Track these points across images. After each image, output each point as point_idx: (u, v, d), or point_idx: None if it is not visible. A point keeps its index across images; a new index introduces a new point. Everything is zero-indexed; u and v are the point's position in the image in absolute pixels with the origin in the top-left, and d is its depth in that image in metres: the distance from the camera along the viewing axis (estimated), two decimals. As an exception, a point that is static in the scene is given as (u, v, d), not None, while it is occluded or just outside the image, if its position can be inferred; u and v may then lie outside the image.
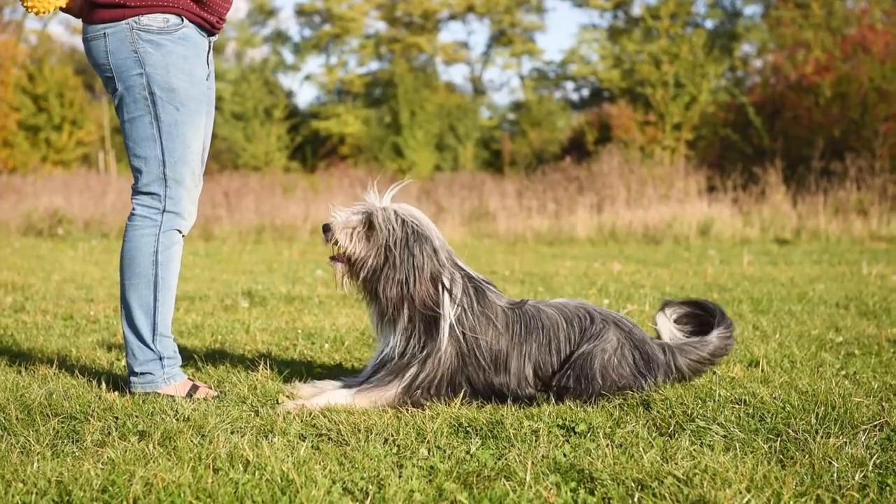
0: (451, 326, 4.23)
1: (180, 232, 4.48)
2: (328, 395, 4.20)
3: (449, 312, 4.23)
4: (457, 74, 79.16)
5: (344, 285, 4.36)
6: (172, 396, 4.32)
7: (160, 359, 4.43)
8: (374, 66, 46.16)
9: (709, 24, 40.14)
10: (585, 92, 45.79)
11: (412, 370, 4.23)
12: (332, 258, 4.33)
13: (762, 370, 4.90)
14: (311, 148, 38.41)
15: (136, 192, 4.43)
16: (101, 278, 10.26)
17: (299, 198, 21.50)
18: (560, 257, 14.25)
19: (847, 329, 6.38)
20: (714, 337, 4.72)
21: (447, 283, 4.24)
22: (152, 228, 4.38)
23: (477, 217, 20.14)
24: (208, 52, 4.53)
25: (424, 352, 4.24)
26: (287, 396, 4.34)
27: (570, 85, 46.81)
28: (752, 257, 13.51)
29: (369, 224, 4.25)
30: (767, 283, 9.62)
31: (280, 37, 48.06)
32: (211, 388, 4.56)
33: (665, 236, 18.07)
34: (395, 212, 4.27)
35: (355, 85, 43.43)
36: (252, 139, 34.97)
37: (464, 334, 4.25)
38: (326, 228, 4.30)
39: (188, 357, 5.37)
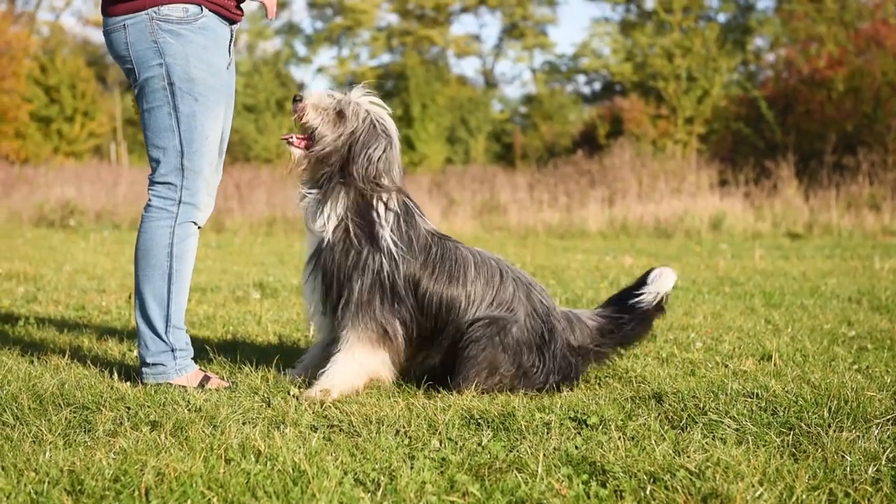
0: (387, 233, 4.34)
1: (196, 224, 4.48)
2: (331, 370, 4.29)
3: (384, 219, 4.35)
4: (468, 67, 79.27)
5: (297, 166, 4.46)
6: (184, 387, 4.32)
7: (172, 350, 4.44)
8: (385, 58, 46.18)
9: (721, 17, 40.01)
10: (597, 85, 45.73)
11: (373, 263, 4.33)
12: (288, 141, 4.43)
13: (774, 364, 4.89)
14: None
15: (152, 182, 4.42)
16: (112, 269, 10.27)
17: (311, 190, 21.46)
18: (571, 250, 14.24)
19: (860, 323, 6.36)
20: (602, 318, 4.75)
21: (387, 184, 4.37)
22: (168, 220, 4.38)
23: (488, 210, 20.12)
24: (230, 42, 4.53)
25: (368, 243, 4.33)
26: (297, 388, 4.35)
27: (581, 78, 46.77)
28: (764, 251, 13.48)
29: (339, 111, 4.37)
30: (779, 278, 9.60)
31: (292, 29, 48.08)
32: (223, 378, 4.57)
33: (676, 230, 18.03)
34: (366, 109, 4.41)
35: (367, 77, 43.41)
36: (264, 131, 34.96)
37: (394, 243, 4.35)
38: (297, 99, 4.44)
39: (200, 348, 5.38)
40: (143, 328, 4.45)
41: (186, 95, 4.33)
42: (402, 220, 4.39)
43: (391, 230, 4.33)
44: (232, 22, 4.51)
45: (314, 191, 4.41)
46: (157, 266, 4.41)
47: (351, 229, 4.34)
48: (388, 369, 4.37)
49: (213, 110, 4.42)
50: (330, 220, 4.35)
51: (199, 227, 4.56)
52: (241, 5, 4.50)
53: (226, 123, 4.62)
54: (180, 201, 4.39)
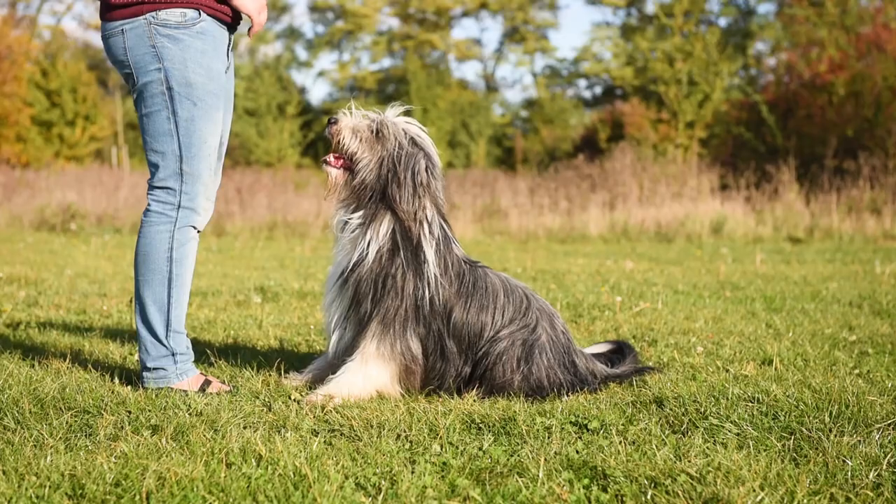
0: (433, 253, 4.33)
1: (195, 228, 4.49)
2: (341, 378, 4.27)
3: (430, 233, 4.32)
4: (469, 71, 79.12)
5: (335, 186, 4.42)
6: (185, 391, 4.32)
7: (173, 355, 4.44)
8: (386, 62, 46.22)
9: (722, 21, 40.08)
10: (598, 89, 45.78)
11: (409, 286, 4.31)
12: (326, 162, 4.40)
13: (775, 368, 4.88)
14: (324, 144, 38.38)
15: (151, 187, 4.43)
16: (113, 273, 10.28)
17: (311, 194, 21.52)
18: (572, 255, 14.24)
19: (860, 328, 6.36)
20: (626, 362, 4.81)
21: (431, 209, 4.34)
22: (167, 224, 4.38)
23: (489, 214, 20.13)
24: (228, 46, 4.53)
25: (411, 269, 4.30)
26: (299, 392, 4.35)
27: (582, 82, 46.81)
28: (765, 255, 13.48)
29: (377, 132, 4.33)
30: (780, 282, 9.60)
31: (293, 33, 48.12)
32: (224, 382, 4.57)
33: (677, 234, 18.04)
34: (403, 129, 4.36)
35: (368, 81, 43.46)
36: (265, 135, 35.02)
37: (437, 273, 4.34)
38: (333, 121, 4.39)
39: (201, 352, 5.38)
40: (144, 332, 4.45)
41: (185, 100, 4.33)
42: (441, 246, 4.37)
43: (433, 258, 4.31)
44: (230, 26, 4.52)
45: (355, 214, 4.37)
46: (157, 271, 4.41)
47: (394, 255, 4.31)
48: (398, 387, 4.35)
49: (212, 115, 4.42)
50: (371, 244, 4.31)
51: (198, 232, 4.57)
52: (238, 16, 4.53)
53: (225, 127, 4.63)
54: (179, 206, 4.39)
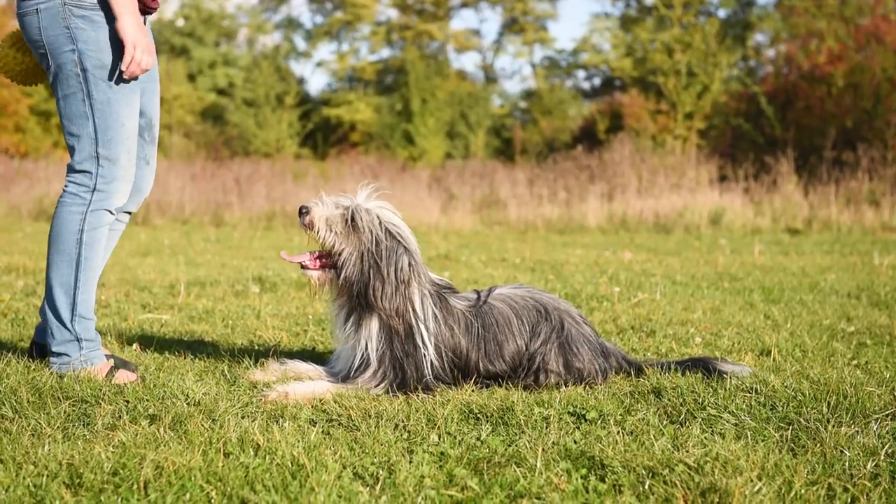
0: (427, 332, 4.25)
1: (110, 211, 4.45)
2: (315, 384, 4.17)
3: (422, 320, 4.24)
4: (468, 62, 79.18)
5: (321, 291, 4.34)
6: (183, 379, 4.31)
7: (78, 340, 4.42)
8: (385, 53, 46.08)
9: (722, 13, 39.97)
10: (597, 81, 45.66)
11: (398, 371, 4.25)
12: (304, 266, 4.29)
13: (773, 359, 4.89)
14: (323, 135, 38.33)
15: (69, 169, 4.41)
16: (111, 263, 10.27)
17: (310, 185, 21.50)
18: (571, 245, 14.23)
19: (859, 319, 6.36)
20: None
21: (418, 296, 4.25)
22: (80, 206, 4.37)
23: (488, 205, 20.12)
24: (147, 29, 4.50)
25: (408, 356, 4.24)
26: (265, 385, 4.30)
27: (581, 73, 46.68)
28: (764, 247, 13.48)
29: (351, 221, 4.21)
30: (779, 273, 9.60)
31: (292, 23, 47.98)
32: (134, 371, 4.51)
33: (676, 225, 18.04)
34: (377, 216, 4.24)
35: (367, 72, 43.35)
36: (263, 126, 34.92)
37: (434, 340, 4.27)
38: (304, 211, 4.27)
39: (199, 341, 5.38)
40: (49, 316, 4.42)
41: (100, 82, 4.31)
42: (438, 313, 4.31)
43: (430, 342, 4.27)
44: (145, 12, 4.49)
45: (346, 312, 4.31)
46: (64, 252, 4.39)
47: (389, 348, 4.26)
48: None
49: (129, 97, 4.39)
50: (369, 344, 4.25)
51: (126, 215, 4.60)
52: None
53: (153, 110, 4.61)
54: (95, 189, 4.37)
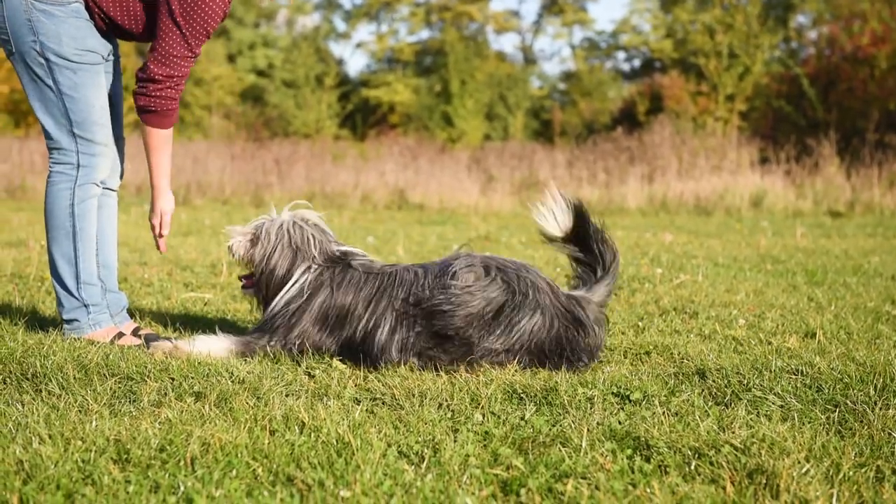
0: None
1: (98, 184, 4.68)
2: (218, 340, 4.47)
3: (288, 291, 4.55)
4: (507, 44, 79.04)
5: (253, 305, 4.83)
6: (227, 357, 4.34)
7: (85, 306, 4.69)
8: (424, 34, 46.04)
9: (763, -6, 39.64)
10: (637, 62, 45.48)
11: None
12: (244, 287, 4.73)
13: (818, 341, 4.85)
14: (362, 116, 38.35)
15: (49, 150, 4.64)
16: (153, 242, 10.31)
17: (349, 165, 21.52)
18: (611, 227, 14.09)
19: (904, 302, 6.31)
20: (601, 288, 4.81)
21: (300, 272, 4.58)
22: (68, 183, 4.60)
23: (527, 187, 20.06)
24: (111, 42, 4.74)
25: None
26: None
27: (621, 55, 46.51)
28: (805, 229, 13.38)
29: (255, 238, 4.66)
30: (821, 256, 9.53)
31: (331, 4, 48.03)
32: (139, 335, 4.78)
33: (717, 208, 17.93)
34: (281, 223, 4.69)
35: (405, 53, 43.35)
36: (303, 107, 34.97)
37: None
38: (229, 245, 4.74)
39: (239, 320, 5.41)
40: (57, 287, 4.70)
41: (64, 70, 4.51)
42: (327, 279, 4.56)
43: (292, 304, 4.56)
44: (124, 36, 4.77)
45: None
46: (60, 227, 4.63)
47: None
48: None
49: (95, 78, 4.59)
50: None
51: (107, 187, 4.78)
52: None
53: (114, 90, 4.80)
54: (79, 165, 4.60)
